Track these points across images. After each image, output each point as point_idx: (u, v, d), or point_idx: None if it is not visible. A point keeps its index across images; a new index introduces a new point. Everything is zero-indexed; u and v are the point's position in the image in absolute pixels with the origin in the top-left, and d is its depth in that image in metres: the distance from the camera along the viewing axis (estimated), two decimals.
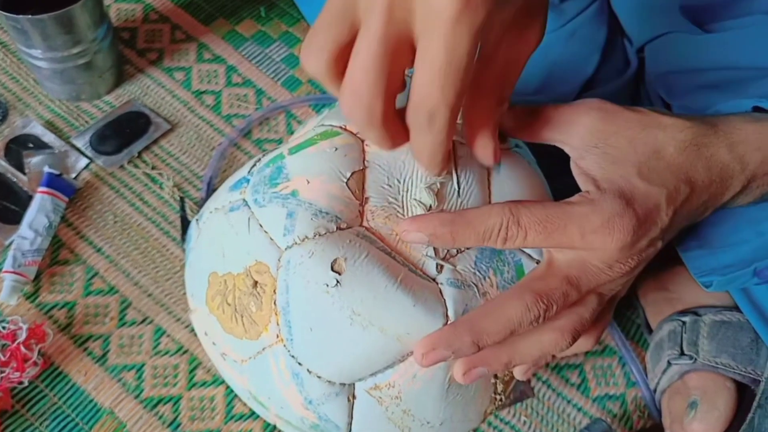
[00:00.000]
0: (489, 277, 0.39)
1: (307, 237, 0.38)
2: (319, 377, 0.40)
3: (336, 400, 0.41)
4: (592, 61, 0.61)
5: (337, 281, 0.37)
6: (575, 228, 0.35)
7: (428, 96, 0.30)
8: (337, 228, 0.38)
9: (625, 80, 0.62)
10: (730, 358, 0.50)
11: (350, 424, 0.42)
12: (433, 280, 0.38)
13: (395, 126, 0.34)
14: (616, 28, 0.63)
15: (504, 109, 0.38)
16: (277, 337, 0.40)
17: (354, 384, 0.40)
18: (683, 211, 0.37)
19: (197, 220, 0.47)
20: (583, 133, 0.38)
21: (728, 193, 0.39)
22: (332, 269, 0.37)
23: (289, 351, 0.39)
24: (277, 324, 0.39)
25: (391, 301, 0.37)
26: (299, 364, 0.40)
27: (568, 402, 0.58)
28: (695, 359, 0.51)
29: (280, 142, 0.67)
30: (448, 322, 0.37)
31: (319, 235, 0.38)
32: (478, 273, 0.39)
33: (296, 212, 0.39)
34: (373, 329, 0.37)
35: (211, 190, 0.63)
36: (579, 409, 0.57)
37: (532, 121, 0.39)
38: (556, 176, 0.43)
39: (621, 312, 0.62)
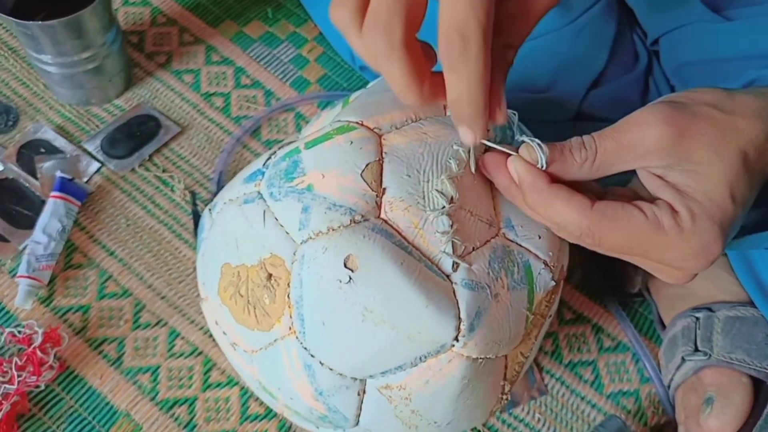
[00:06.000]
0: (501, 278, 0.39)
1: (321, 231, 0.38)
2: (330, 369, 0.40)
3: (346, 393, 0.41)
4: (601, 57, 0.61)
5: (350, 278, 0.37)
6: (654, 253, 0.36)
7: (458, 13, 0.30)
8: (351, 221, 0.38)
9: (634, 76, 0.62)
10: (745, 354, 0.50)
11: (358, 416, 0.42)
12: (448, 277, 0.38)
13: (419, 63, 0.33)
14: (624, 23, 0.63)
15: (511, 59, 0.37)
16: (290, 329, 0.40)
17: (365, 380, 0.41)
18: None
19: (210, 210, 0.47)
20: (659, 152, 0.35)
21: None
22: (345, 266, 0.37)
23: (301, 343, 0.40)
24: (290, 317, 0.39)
25: (404, 300, 0.37)
26: (312, 356, 0.40)
27: (582, 399, 0.58)
28: (710, 355, 0.51)
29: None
30: (461, 324, 0.37)
31: (333, 229, 0.38)
32: (491, 273, 0.39)
33: (311, 206, 0.39)
34: (385, 327, 0.37)
35: (220, 188, 0.63)
36: (593, 406, 0.57)
37: (593, 159, 0.37)
38: None
39: (633, 308, 0.62)
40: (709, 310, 0.54)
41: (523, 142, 0.37)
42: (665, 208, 0.35)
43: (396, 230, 0.38)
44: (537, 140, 0.37)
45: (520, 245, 0.41)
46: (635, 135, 0.35)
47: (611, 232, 0.35)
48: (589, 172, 0.37)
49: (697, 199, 0.35)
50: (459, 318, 0.37)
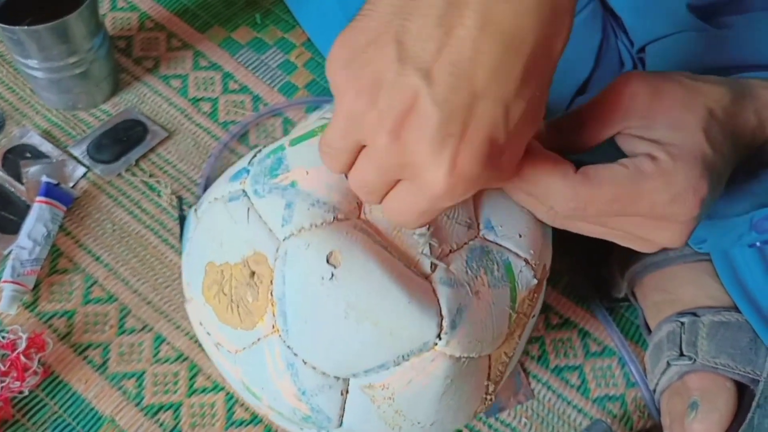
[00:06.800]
0: (480, 276, 0.40)
1: (303, 228, 0.38)
2: (313, 368, 0.40)
3: (329, 392, 0.41)
4: (586, 64, 0.61)
5: (333, 274, 0.37)
6: (644, 203, 0.36)
7: (402, 218, 0.34)
8: (334, 219, 0.38)
9: None
10: (730, 359, 0.50)
11: (342, 417, 0.42)
12: (427, 278, 0.38)
13: None
14: (609, 30, 0.63)
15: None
16: (273, 327, 0.40)
17: (348, 379, 0.40)
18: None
19: (195, 210, 0.47)
20: (636, 109, 0.37)
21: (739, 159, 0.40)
22: (328, 262, 0.37)
23: (284, 341, 0.40)
24: (273, 315, 0.39)
25: (386, 295, 0.37)
26: (294, 354, 0.40)
27: (568, 403, 0.58)
28: (694, 360, 0.52)
29: None
30: (443, 321, 0.38)
31: (316, 226, 0.38)
32: (469, 272, 0.39)
33: (294, 202, 0.39)
34: (368, 324, 0.37)
35: None
36: (579, 411, 0.58)
37: (581, 128, 0.39)
38: None
39: (620, 313, 0.62)
40: (694, 315, 0.54)
41: None
42: (644, 158, 0.36)
43: (375, 231, 0.39)
44: None
45: (500, 245, 0.41)
46: (613, 97, 0.38)
47: (596, 190, 0.36)
48: (577, 144, 0.38)
49: (675, 144, 0.36)
50: (441, 315, 0.38)
